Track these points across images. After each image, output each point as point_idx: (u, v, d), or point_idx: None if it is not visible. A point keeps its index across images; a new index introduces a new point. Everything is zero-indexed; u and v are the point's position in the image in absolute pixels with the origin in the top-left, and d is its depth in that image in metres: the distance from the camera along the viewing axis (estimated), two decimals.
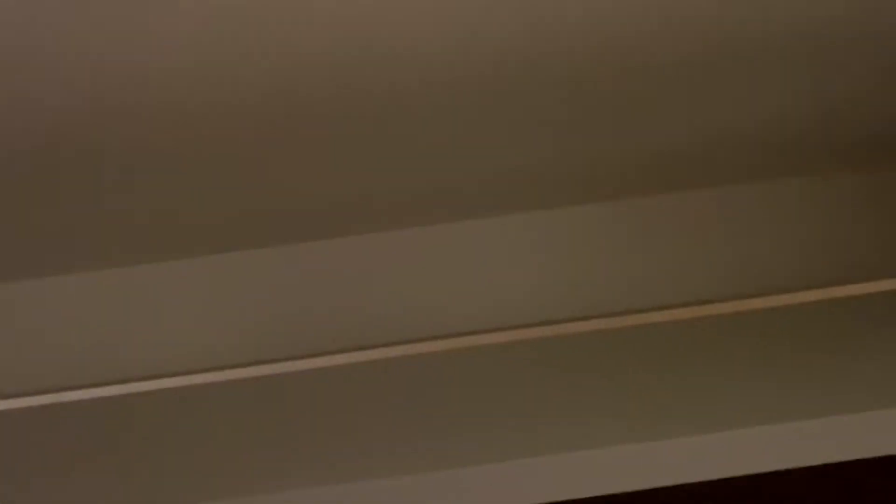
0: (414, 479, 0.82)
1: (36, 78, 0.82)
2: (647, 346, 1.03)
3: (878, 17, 0.89)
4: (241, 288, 1.09)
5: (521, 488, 0.82)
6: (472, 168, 1.02)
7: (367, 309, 1.09)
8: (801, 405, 0.86)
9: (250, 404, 1.00)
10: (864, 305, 1.07)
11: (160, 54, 0.81)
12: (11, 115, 0.85)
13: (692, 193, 1.11)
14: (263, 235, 1.07)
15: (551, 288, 1.10)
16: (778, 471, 0.87)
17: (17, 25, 0.76)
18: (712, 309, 1.12)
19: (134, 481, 0.86)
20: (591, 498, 0.85)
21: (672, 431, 0.84)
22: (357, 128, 0.94)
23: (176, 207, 1.01)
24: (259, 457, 0.88)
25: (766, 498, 0.88)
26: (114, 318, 1.08)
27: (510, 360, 1.03)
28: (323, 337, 1.09)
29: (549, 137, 1.00)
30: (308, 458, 0.87)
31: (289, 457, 0.87)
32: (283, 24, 0.80)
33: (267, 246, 1.09)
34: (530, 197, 1.08)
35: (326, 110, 0.91)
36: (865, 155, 1.10)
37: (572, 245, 1.10)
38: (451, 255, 1.10)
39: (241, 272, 1.09)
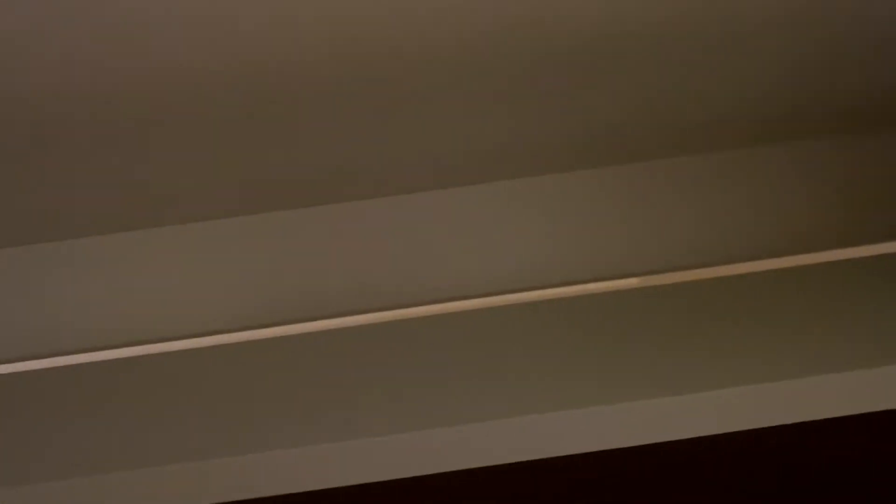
0: (407, 436, 0.82)
1: (29, 44, 0.81)
2: (637, 310, 1.04)
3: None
4: (237, 254, 1.08)
5: (510, 446, 0.83)
6: (463, 137, 1.02)
7: (359, 275, 1.09)
8: (786, 365, 0.87)
9: (244, 369, 1.00)
10: (842, 270, 1.08)
11: (153, 23, 0.81)
12: (6, 83, 0.85)
13: (673, 161, 1.11)
14: (258, 202, 1.07)
15: (539, 254, 1.10)
16: (763, 428, 0.88)
17: None
18: (697, 274, 1.12)
19: (132, 443, 0.86)
20: (581, 454, 0.86)
21: (663, 391, 0.85)
22: (352, 99, 0.94)
23: (172, 174, 1.01)
24: (255, 418, 0.89)
25: (757, 453, 0.89)
26: (112, 284, 1.08)
27: (500, 324, 1.04)
28: (318, 302, 1.09)
29: (535, 107, 1.00)
30: (306, 417, 0.88)
31: (286, 418, 0.88)
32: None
33: (263, 212, 1.09)
34: (518, 164, 1.08)
35: (318, 84, 0.91)
36: (841, 123, 1.10)
37: (557, 212, 1.10)
38: (443, 222, 1.10)
39: (236, 238, 1.09)
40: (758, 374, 0.86)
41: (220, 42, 0.85)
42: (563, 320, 1.03)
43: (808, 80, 1.03)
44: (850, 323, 0.94)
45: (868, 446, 0.91)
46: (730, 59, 0.98)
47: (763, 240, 1.12)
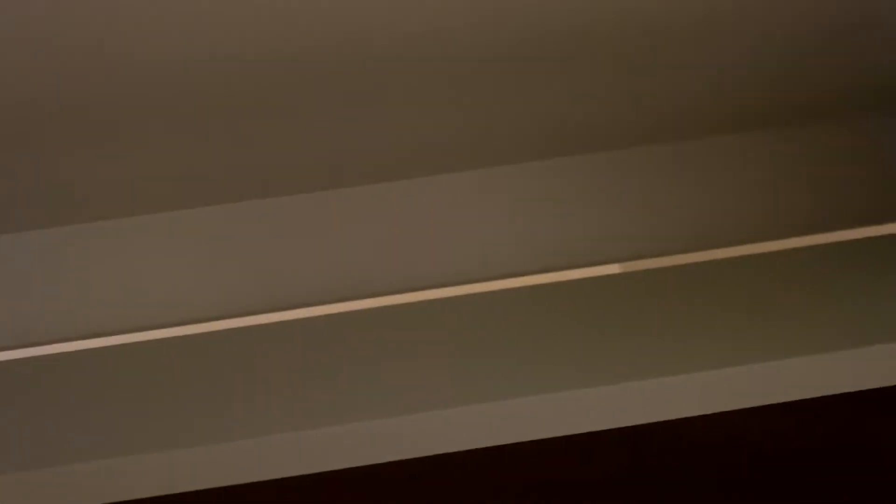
0: (397, 420, 0.82)
1: (6, 23, 0.81)
2: (628, 293, 1.04)
3: None
4: (222, 241, 1.08)
5: (501, 429, 0.83)
6: (435, 126, 1.02)
7: (350, 261, 1.09)
8: (779, 345, 0.87)
9: (228, 357, 1.00)
10: (840, 252, 1.08)
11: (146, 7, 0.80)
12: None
13: (668, 147, 1.11)
14: (242, 189, 1.07)
15: (512, 242, 1.10)
16: (755, 408, 0.88)
17: None
18: (692, 257, 1.12)
19: (117, 431, 0.86)
20: (574, 435, 0.86)
21: (658, 371, 0.85)
22: (326, 90, 0.94)
23: (155, 162, 1.00)
24: (240, 405, 0.89)
25: (745, 435, 0.89)
26: (92, 272, 1.08)
27: (491, 310, 1.04)
28: (302, 289, 1.09)
29: (501, 97, 1.00)
30: (291, 403, 0.87)
31: (271, 404, 0.88)
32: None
33: (248, 199, 1.08)
34: (509, 151, 1.08)
35: (314, 69, 0.91)
36: (836, 107, 1.10)
37: (548, 197, 1.10)
38: (432, 208, 1.10)
39: (220, 226, 1.08)
40: (740, 356, 0.86)
41: (208, 34, 0.84)
42: (539, 307, 1.03)
43: (784, 68, 1.03)
44: (832, 305, 0.94)
45: (851, 425, 0.91)
46: (698, 49, 0.98)
47: (741, 225, 1.12)
